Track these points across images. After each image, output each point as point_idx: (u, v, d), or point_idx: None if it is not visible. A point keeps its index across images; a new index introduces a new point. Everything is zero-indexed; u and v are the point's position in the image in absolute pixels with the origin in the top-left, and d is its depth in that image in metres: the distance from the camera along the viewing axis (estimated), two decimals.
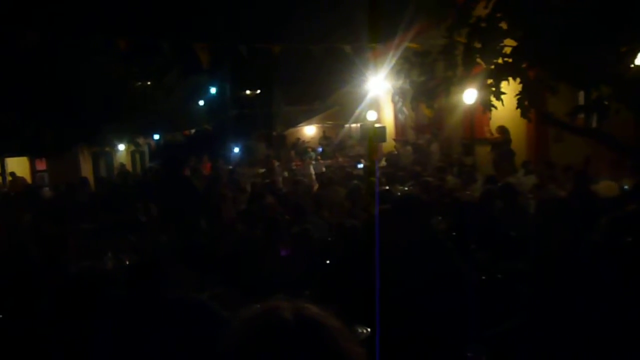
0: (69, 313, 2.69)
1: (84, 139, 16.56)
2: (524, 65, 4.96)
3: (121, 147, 20.41)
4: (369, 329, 3.38)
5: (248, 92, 36.25)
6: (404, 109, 16.09)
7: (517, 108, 5.10)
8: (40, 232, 6.22)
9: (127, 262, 5.77)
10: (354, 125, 23.58)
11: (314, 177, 14.57)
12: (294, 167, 16.51)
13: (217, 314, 2.47)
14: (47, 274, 3.59)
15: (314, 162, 17.76)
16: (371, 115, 17.85)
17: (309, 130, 27.18)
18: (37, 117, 12.23)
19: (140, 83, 19.55)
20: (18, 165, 18.26)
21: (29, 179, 18.15)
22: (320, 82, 24.32)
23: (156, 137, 21.02)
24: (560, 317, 2.74)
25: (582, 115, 5.14)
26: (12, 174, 16.43)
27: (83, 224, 8.58)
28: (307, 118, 26.83)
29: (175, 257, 4.02)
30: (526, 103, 5.05)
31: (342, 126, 25.18)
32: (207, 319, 2.39)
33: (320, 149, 22.17)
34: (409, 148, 16.64)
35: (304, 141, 25.07)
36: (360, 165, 14.67)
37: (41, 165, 18.46)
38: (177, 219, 6.03)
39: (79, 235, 7.01)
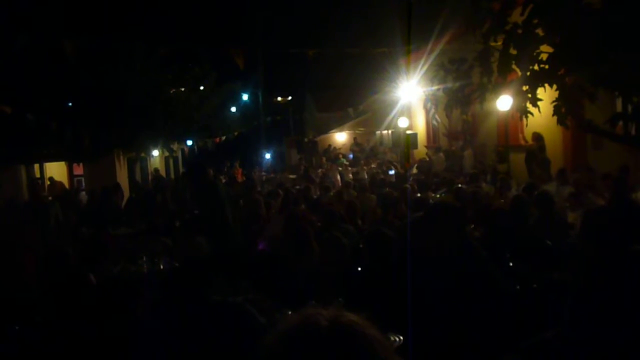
0: (109, 313, 2.75)
1: (121, 144, 16.89)
2: (561, 72, 4.87)
3: (155, 152, 20.75)
4: (401, 338, 3.36)
5: (280, 98, 36.58)
6: (437, 116, 16.00)
7: (553, 115, 5.01)
8: (80, 235, 6.37)
9: (162, 266, 5.87)
10: (385, 132, 23.52)
11: (339, 183, 14.57)
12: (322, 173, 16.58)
13: (256, 319, 2.49)
14: (87, 276, 3.67)
15: (340, 169, 17.78)
16: (403, 122, 17.80)
17: (340, 137, 27.23)
18: (76, 123, 12.56)
19: (174, 90, 19.85)
20: (56, 170, 18.79)
21: (66, 183, 18.64)
22: (352, 88, 24.38)
23: (189, 143, 21.32)
24: (600, 330, 2.67)
25: (621, 122, 5.03)
26: (51, 178, 16.93)
27: (119, 228, 8.78)
28: (338, 125, 26.88)
29: (210, 262, 4.06)
30: (563, 110, 4.96)
31: (374, 133, 25.14)
32: (247, 324, 2.41)
33: (351, 156, 22.17)
34: (441, 155, 16.50)
35: (335, 147, 25.12)
36: (392, 172, 14.60)
37: (78, 170, 18.94)
38: (206, 224, 6.09)
39: (116, 238, 7.17)
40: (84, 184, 18.37)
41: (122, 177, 17.36)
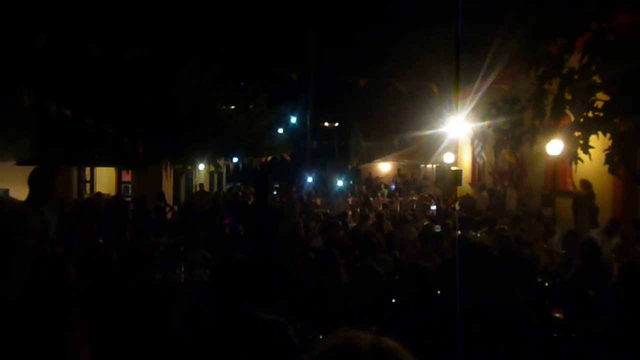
0: (147, 318, 2.81)
1: (170, 155, 17.33)
2: (615, 120, 4.79)
3: (201, 167, 21.15)
4: None
5: (327, 124, 36.88)
6: (483, 154, 15.82)
7: (605, 164, 4.92)
8: (123, 242, 6.53)
9: (200, 277, 5.97)
10: (430, 166, 23.33)
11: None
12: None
13: (293, 341, 2.51)
14: (128, 281, 3.78)
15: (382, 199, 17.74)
16: (448, 158, 17.65)
17: (384, 167, 27.15)
18: (130, 132, 13.00)
19: (225, 107, 20.29)
20: (105, 175, 19.39)
21: (114, 188, 19.20)
22: (400, 119, 24.41)
23: (235, 160, 21.67)
24: None
25: None
26: (99, 193, 17.64)
27: (160, 237, 8.99)
28: (383, 154, 26.83)
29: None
30: (616, 159, 4.86)
31: (418, 166, 24.98)
32: (285, 345, 2.43)
33: (393, 187, 22.04)
34: (485, 194, 16.26)
35: (377, 177, 25.04)
36: (434, 207, 14.46)
37: (126, 177, 19.47)
38: (258, 241, 6.14)
39: (157, 247, 7.34)
40: (130, 190, 18.86)
41: (168, 187, 17.77)
